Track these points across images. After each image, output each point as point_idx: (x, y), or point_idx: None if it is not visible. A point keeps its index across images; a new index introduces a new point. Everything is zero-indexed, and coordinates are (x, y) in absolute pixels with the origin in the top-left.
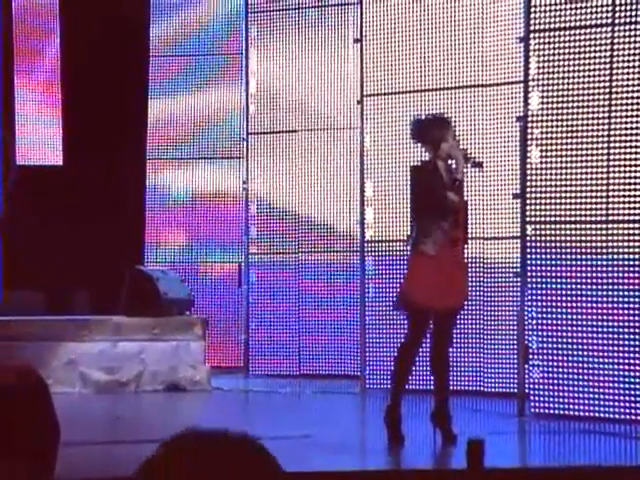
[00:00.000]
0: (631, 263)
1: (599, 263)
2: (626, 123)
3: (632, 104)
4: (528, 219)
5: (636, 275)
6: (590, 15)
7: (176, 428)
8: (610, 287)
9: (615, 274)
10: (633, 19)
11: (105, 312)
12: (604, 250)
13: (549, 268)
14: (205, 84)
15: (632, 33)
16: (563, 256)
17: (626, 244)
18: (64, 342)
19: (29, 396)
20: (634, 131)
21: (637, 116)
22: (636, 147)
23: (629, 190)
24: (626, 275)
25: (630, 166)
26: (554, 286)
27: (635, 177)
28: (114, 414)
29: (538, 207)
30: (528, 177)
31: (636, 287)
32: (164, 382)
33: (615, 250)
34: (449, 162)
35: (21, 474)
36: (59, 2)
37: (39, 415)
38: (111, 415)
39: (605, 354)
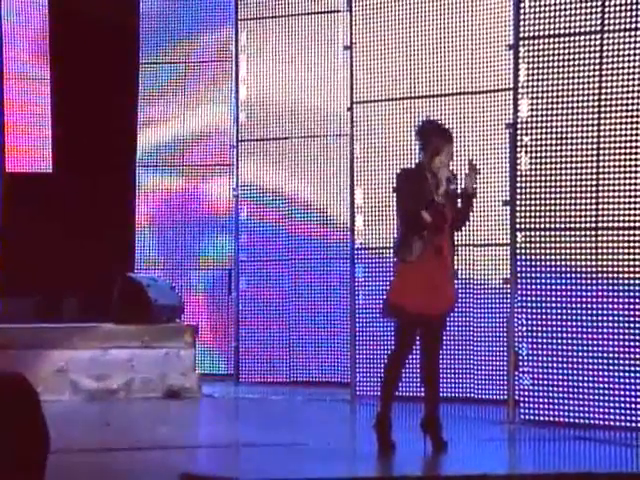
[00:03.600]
0: (620, 269)
1: (589, 270)
2: (615, 130)
3: (621, 111)
4: (518, 226)
5: (625, 282)
6: (579, 22)
7: (166, 436)
8: (600, 293)
9: (604, 281)
10: (622, 26)
11: (95, 319)
12: (593, 257)
13: (539, 275)
14: (195, 91)
15: (621, 40)
16: (553, 262)
17: (615, 250)
18: (54, 349)
19: (19, 404)
20: (623, 138)
21: (626, 123)
22: (625, 154)
23: (618, 197)
24: (615, 282)
25: (619, 172)
26: (544, 293)
27: (624, 183)
28: (104, 422)
29: (528, 214)
30: (518, 184)
31: (625, 294)
32: (156, 390)
33: (604, 257)
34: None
35: None
36: (49, 11)
37: (29, 423)
38: (101, 423)
39: (595, 360)
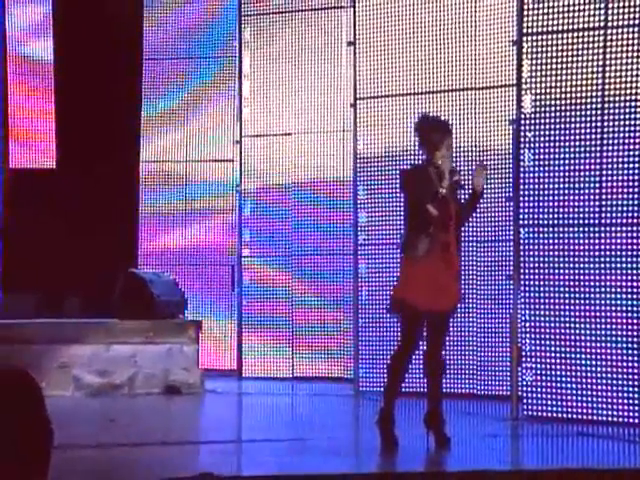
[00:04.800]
0: (624, 266)
1: (592, 266)
2: (619, 126)
3: (625, 107)
4: (521, 222)
5: (628, 278)
6: (583, 18)
7: (170, 431)
8: (603, 290)
9: (607, 277)
10: (626, 22)
11: (98, 315)
12: (597, 253)
13: (542, 271)
14: (198, 87)
15: (625, 36)
16: (556, 259)
17: (619, 247)
18: (57, 345)
19: (23, 399)
20: (627, 134)
21: (630, 119)
22: (629, 150)
23: (622, 193)
24: (618, 278)
25: (623, 169)
26: (547, 289)
27: (628, 180)
28: (108, 417)
29: (531, 210)
30: (521, 180)
31: (629, 290)
32: (159, 385)
33: (608, 253)
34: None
35: (14, 477)
36: (53, 8)
37: (32, 418)
38: (105, 418)
39: (598, 356)
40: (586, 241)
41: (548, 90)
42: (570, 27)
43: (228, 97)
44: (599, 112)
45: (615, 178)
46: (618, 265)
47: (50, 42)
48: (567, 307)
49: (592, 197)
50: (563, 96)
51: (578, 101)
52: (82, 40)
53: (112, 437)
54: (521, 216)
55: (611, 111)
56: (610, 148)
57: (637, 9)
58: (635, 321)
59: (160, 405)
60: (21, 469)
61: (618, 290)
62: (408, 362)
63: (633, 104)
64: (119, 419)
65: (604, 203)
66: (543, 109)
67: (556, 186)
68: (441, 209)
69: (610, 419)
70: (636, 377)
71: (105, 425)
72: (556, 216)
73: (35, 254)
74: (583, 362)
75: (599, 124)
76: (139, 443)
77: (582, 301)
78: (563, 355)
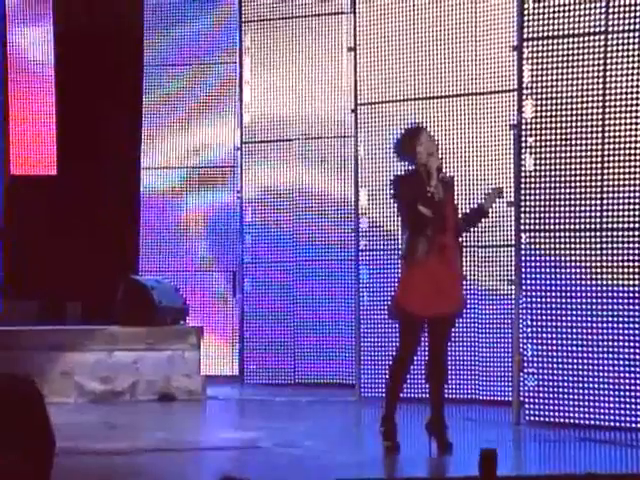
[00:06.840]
0: (626, 271)
1: (593, 271)
2: (620, 130)
3: (626, 112)
4: (523, 227)
5: (631, 283)
6: (583, 23)
7: (172, 438)
8: (605, 294)
9: (609, 282)
10: (626, 27)
11: (99, 322)
12: (598, 257)
13: (544, 276)
14: (199, 94)
15: (625, 41)
16: (558, 264)
17: (620, 251)
18: (59, 352)
19: (25, 406)
20: (628, 139)
21: (631, 123)
22: (630, 154)
23: (623, 197)
24: (620, 283)
25: (624, 173)
26: (549, 294)
27: (629, 184)
28: (110, 424)
29: (532, 215)
30: (522, 185)
31: (630, 295)
32: (156, 392)
33: (609, 258)
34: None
35: None
36: (53, 14)
37: (35, 425)
38: (107, 425)
39: (600, 362)
40: (588, 246)
41: (549, 95)
42: (571, 32)
43: (229, 103)
44: (600, 117)
45: (616, 182)
46: (620, 270)
47: (52, 48)
48: (569, 312)
49: (593, 202)
50: (564, 101)
51: (579, 106)
52: (83, 47)
53: (113, 444)
54: (522, 221)
55: (612, 116)
56: (611, 152)
57: (637, 14)
58: (637, 326)
59: (162, 412)
60: (23, 475)
61: (620, 295)
62: (408, 367)
63: (634, 109)
64: (121, 426)
65: (605, 208)
66: (544, 114)
67: (557, 191)
68: (434, 210)
69: (612, 424)
70: (638, 382)
71: (107, 432)
72: (558, 221)
73: (37, 260)
74: (585, 367)
75: (600, 129)
76: (141, 450)
77: (584, 306)
78: (565, 360)
